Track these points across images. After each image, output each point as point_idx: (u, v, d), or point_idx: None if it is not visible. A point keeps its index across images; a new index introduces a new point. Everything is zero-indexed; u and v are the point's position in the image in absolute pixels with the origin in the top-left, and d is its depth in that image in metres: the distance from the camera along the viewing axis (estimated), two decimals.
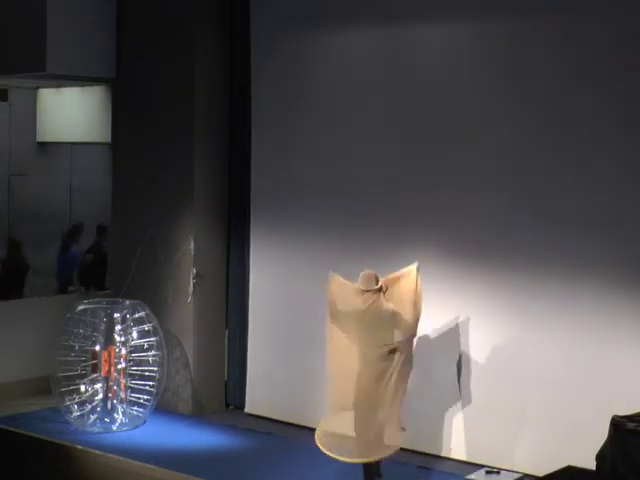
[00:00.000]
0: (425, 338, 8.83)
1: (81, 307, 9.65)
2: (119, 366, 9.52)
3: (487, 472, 7.72)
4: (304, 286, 9.61)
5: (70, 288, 13.63)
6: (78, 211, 15.04)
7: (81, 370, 9.50)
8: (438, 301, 8.76)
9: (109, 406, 9.52)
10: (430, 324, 8.80)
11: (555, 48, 8.13)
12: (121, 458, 8.53)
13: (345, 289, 7.84)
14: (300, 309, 9.66)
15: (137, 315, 9.62)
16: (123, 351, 9.55)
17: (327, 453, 7.70)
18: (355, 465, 8.15)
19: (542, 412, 8.20)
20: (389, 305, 7.62)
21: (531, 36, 8.27)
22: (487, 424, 8.47)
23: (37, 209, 14.52)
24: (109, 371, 9.49)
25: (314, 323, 9.52)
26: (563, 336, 8.09)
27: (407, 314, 7.62)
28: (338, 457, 7.66)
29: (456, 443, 8.61)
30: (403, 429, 7.70)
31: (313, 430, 8.71)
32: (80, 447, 8.81)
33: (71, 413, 9.47)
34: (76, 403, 9.49)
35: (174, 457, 8.66)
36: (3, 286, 12.97)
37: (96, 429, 9.39)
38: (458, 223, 8.66)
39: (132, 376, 9.58)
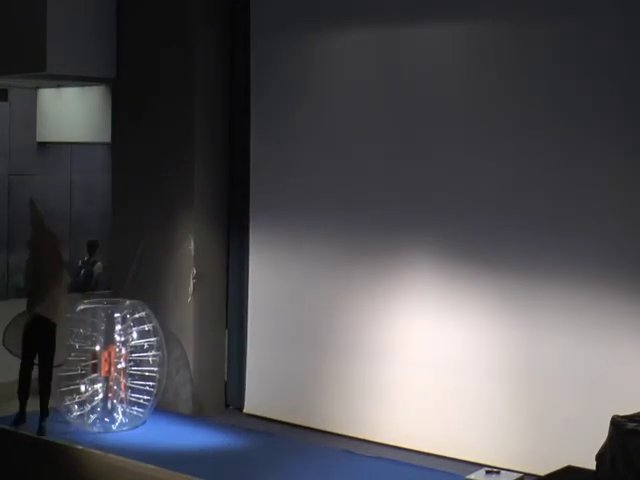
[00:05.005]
0: (425, 338, 8.85)
1: (81, 307, 9.66)
2: (119, 366, 9.52)
3: (487, 472, 7.68)
4: (303, 286, 9.61)
5: None
6: (78, 211, 15.04)
7: (81, 370, 9.50)
8: (436, 299, 8.78)
9: (109, 406, 9.51)
10: (429, 322, 8.82)
11: (556, 48, 8.14)
12: (121, 458, 8.52)
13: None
14: (300, 309, 9.65)
15: (137, 315, 9.62)
16: (123, 351, 9.55)
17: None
18: (354, 467, 8.19)
19: (542, 412, 8.20)
20: None
21: (532, 36, 8.26)
22: (486, 423, 8.47)
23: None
24: (109, 371, 9.48)
25: (314, 323, 9.53)
26: (563, 336, 8.09)
27: None
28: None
29: (456, 442, 8.61)
30: None
31: (313, 430, 8.74)
32: (80, 447, 8.81)
33: (71, 413, 9.46)
34: (76, 403, 9.48)
35: (174, 457, 8.65)
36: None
37: (96, 429, 9.38)
38: (459, 223, 8.65)
39: (132, 376, 9.57)
